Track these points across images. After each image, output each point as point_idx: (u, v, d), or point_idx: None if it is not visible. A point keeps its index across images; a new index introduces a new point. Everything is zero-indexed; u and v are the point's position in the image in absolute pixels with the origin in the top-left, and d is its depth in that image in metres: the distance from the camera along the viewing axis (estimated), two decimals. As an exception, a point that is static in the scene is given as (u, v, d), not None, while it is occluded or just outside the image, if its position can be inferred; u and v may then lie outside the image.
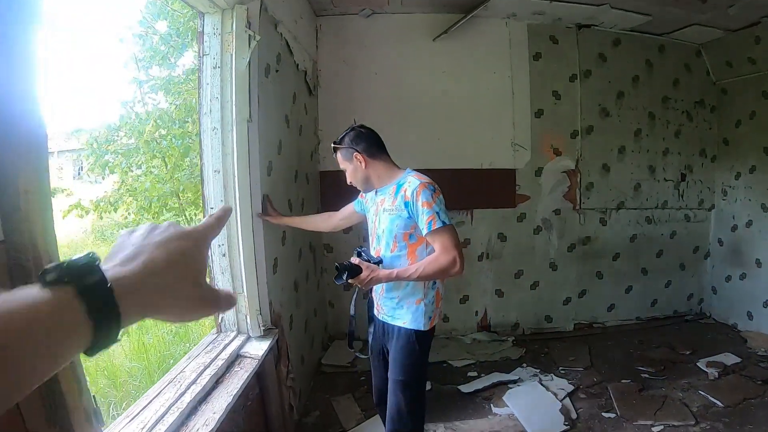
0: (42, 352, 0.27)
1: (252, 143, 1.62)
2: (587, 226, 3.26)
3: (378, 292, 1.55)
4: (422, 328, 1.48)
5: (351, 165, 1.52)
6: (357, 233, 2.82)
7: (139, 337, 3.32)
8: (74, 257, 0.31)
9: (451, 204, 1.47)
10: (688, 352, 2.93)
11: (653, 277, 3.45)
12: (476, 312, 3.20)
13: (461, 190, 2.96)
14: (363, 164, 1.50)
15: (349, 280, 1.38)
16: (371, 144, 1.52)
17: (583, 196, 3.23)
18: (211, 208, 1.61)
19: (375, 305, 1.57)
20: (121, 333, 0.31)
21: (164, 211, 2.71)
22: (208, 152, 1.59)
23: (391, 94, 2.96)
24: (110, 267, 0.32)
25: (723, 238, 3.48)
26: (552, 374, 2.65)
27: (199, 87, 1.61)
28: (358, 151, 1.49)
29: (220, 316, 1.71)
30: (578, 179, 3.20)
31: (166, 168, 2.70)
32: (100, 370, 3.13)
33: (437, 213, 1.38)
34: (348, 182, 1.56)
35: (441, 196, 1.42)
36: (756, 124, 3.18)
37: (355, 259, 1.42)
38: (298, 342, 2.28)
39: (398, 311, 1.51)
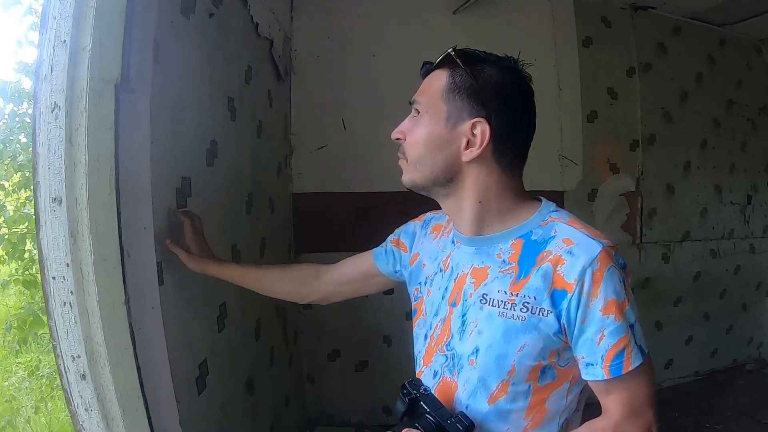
0: None
1: (131, 136, 0.71)
2: (647, 265, 2.53)
3: None
4: None
5: (444, 123, 0.65)
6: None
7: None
8: None
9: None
10: (769, 421, 2.31)
11: (715, 322, 2.79)
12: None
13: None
14: (477, 148, 0.63)
15: None
16: (519, 124, 0.66)
17: (645, 226, 2.48)
18: (53, 278, 0.69)
19: None
20: None
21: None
22: (44, 157, 0.66)
23: (394, 84, 2.04)
24: None
25: (789, 273, 2.89)
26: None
27: (41, 27, 0.69)
28: (486, 120, 0.62)
29: None
30: (639, 204, 2.46)
31: None
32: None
33: (632, 329, 0.59)
34: (395, 137, 0.70)
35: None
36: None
37: None
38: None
39: None
